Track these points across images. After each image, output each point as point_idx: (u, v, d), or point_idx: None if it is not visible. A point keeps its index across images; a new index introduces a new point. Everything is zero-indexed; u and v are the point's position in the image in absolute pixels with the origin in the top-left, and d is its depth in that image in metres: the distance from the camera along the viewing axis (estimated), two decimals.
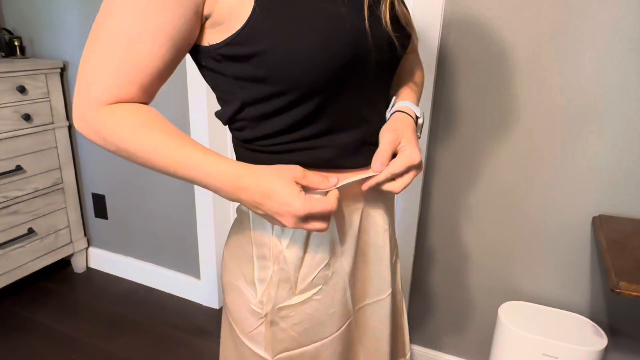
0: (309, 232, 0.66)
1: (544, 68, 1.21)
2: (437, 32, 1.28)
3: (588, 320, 1.30)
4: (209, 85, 0.66)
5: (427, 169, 1.42)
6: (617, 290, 0.90)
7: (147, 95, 0.59)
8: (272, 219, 0.58)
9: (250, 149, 0.66)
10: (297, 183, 0.56)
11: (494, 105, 1.29)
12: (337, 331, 0.72)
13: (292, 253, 0.67)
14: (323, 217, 0.57)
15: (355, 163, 0.67)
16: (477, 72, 1.28)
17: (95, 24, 0.58)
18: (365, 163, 0.67)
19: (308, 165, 0.61)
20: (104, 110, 0.57)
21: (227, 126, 0.68)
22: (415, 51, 0.86)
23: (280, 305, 0.68)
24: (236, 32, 0.55)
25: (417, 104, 0.76)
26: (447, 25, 1.27)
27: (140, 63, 0.56)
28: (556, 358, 1.22)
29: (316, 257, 0.68)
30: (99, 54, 0.56)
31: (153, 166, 0.57)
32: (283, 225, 0.57)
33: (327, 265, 0.69)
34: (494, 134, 1.31)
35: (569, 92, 1.20)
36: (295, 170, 0.57)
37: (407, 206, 1.47)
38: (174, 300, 2.01)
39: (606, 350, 1.29)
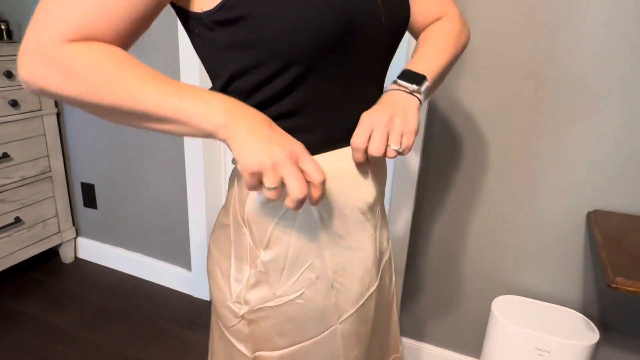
0: (291, 233, 0.63)
1: (539, 62, 1.20)
2: None
3: (580, 314, 1.30)
4: (200, 58, 0.62)
5: (422, 163, 1.41)
6: (614, 286, 0.89)
7: (121, 45, 0.52)
8: (259, 148, 0.49)
9: None
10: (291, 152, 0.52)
11: (488, 100, 1.28)
12: (318, 335, 0.68)
13: (270, 255, 0.64)
14: (297, 180, 0.50)
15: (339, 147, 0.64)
16: (471, 67, 1.26)
17: None
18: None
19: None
20: (71, 45, 0.48)
21: None
22: (448, 19, 0.76)
23: (260, 306, 0.65)
24: None
25: (421, 82, 0.66)
26: None
27: (119, 3, 0.49)
28: (548, 352, 1.22)
29: (299, 259, 0.64)
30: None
31: (124, 107, 0.49)
32: (260, 162, 0.49)
33: (311, 267, 0.65)
34: (488, 129, 1.30)
35: (564, 87, 1.19)
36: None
37: (401, 202, 1.46)
38: (164, 292, 1.99)
39: (598, 344, 1.30)
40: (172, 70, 1.69)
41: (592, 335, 1.23)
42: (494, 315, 1.31)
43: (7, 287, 1.95)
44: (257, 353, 0.69)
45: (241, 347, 0.69)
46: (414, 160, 1.40)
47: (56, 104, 1.95)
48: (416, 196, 1.44)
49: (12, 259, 1.87)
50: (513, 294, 1.40)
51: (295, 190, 0.49)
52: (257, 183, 0.50)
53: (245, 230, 0.64)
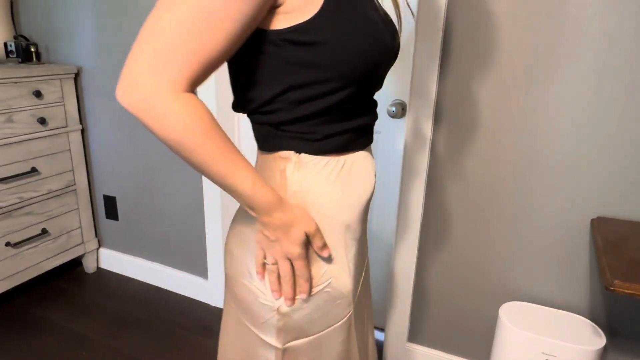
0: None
1: (543, 74, 1.24)
2: (439, 32, 1.32)
3: (587, 320, 1.32)
4: (240, 68, 0.68)
5: (429, 172, 1.45)
6: (612, 288, 0.92)
7: (204, 80, 0.60)
8: (270, 241, 0.69)
9: (280, 129, 0.70)
10: (306, 233, 0.68)
11: (493, 108, 1.32)
12: (341, 320, 0.76)
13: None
14: (301, 263, 0.69)
15: (362, 145, 0.77)
16: (478, 75, 1.32)
17: None
18: (368, 143, 0.79)
19: (328, 150, 0.71)
20: (182, 97, 0.56)
21: (248, 110, 0.71)
22: None
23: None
24: (305, 21, 0.61)
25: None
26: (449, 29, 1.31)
27: (214, 44, 0.56)
28: (555, 357, 1.24)
29: (327, 254, 0.72)
30: (175, 28, 0.54)
31: (206, 171, 0.61)
32: (272, 252, 0.69)
33: (336, 257, 0.73)
34: (493, 137, 1.34)
35: (567, 97, 1.23)
36: (314, 223, 0.69)
37: (409, 209, 1.50)
38: (182, 300, 2.06)
39: (605, 349, 1.32)
40: None
41: (598, 340, 1.25)
42: (501, 321, 1.33)
43: (33, 295, 2.04)
44: (288, 344, 0.75)
45: (271, 341, 0.75)
46: (422, 169, 1.45)
47: (81, 121, 2.05)
48: (424, 207, 1.49)
49: (39, 268, 1.96)
50: (520, 300, 1.42)
51: (285, 288, 0.71)
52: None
53: None
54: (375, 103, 0.78)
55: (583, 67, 1.20)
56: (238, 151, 0.62)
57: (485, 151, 1.36)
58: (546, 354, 1.25)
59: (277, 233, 0.67)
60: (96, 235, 2.24)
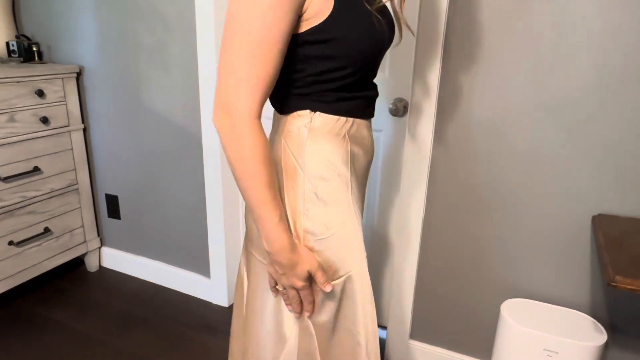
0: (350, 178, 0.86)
1: (543, 69, 1.25)
2: (440, 33, 1.33)
3: (588, 316, 1.33)
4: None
5: (431, 169, 1.46)
6: (613, 284, 0.93)
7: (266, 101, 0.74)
8: (278, 274, 0.81)
9: (298, 95, 0.82)
10: (309, 271, 0.81)
11: (493, 105, 1.33)
12: (358, 264, 0.85)
13: (323, 189, 0.82)
14: (305, 293, 0.83)
15: (367, 115, 0.90)
16: (478, 73, 1.32)
17: (231, 28, 0.69)
18: (372, 115, 0.93)
19: (340, 111, 0.83)
20: (255, 125, 0.71)
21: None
22: None
23: (316, 238, 0.82)
24: (321, 23, 0.73)
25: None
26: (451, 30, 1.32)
27: (272, 71, 0.71)
28: (557, 353, 1.25)
29: (339, 195, 0.83)
30: (247, 62, 0.69)
31: (248, 193, 0.74)
32: (280, 282, 0.83)
33: (344, 201, 0.84)
34: (494, 134, 1.35)
35: (570, 93, 1.24)
36: (316, 263, 0.82)
37: (410, 206, 1.51)
38: (184, 299, 2.06)
39: (606, 345, 1.33)
40: (192, 84, 1.79)
41: (600, 336, 1.25)
42: (503, 318, 1.34)
43: (35, 294, 2.05)
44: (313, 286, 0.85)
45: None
46: (424, 168, 1.46)
47: (83, 120, 2.06)
48: (426, 204, 1.49)
49: (41, 267, 1.97)
50: (522, 297, 1.43)
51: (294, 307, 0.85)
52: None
53: (300, 172, 0.82)
54: (374, 83, 0.92)
55: (583, 64, 1.20)
56: (277, 186, 0.77)
57: (486, 149, 1.37)
58: (548, 350, 1.26)
59: (285, 270, 0.80)
60: (98, 234, 2.25)
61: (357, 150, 0.88)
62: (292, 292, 0.83)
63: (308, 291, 0.83)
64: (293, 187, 0.82)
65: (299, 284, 0.81)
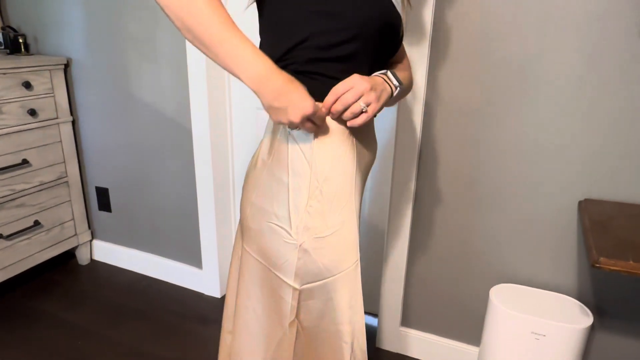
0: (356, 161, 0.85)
1: (530, 61, 1.26)
2: (427, 36, 1.33)
3: (575, 300, 1.35)
4: (268, 22, 0.81)
5: (420, 156, 1.47)
6: (598, 265, 0.95)
7: None
8: (281, 111, 0.73)
9: (302, 73, 0.79)
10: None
11: (481, 93, 1.34)
12: (352, 265, 0.83)
13: (328, 187, 0.80)
14: (317, 121, 0.77)
15: None
16: (465, 63, 1.33)
17: None
18: None
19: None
20: None
21: (273, 59, 0.78)
22: (408, 65, 1.06)
23: (316, 236, 0.80)
24: None
25: (400, 83, 0.89)
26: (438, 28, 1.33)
27: None
28: (544, 336, 1.27)
29: (344, 194, 0.82)
30: None
31: (204, 33, 0.69)
32: (287, 120, 0.73)
33: (348, 203, 0.83)
34: (482, 122, 1.36)
35: (555, 82, 1.25)
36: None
37: (401, 193, 1.52)
38: (177, 290, 2.07)
39: (592, 328, 1.35)
40: (181, 76, 1.78)
41: (586, 319, 1.28)
42: (492, 303, 1.36)
43: (28, 287, 2.04)
44: (304, 286, 0.82)
45: (289, 280, 0.82)
46: (413, 158, 1.47)
47: (71, 112, 2.04)
48: (415, 191, 1.51)
49: (32, 260, 1.96)
50: (510, 282, 1.45)
51: (319, 119, 0.78)
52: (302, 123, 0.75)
53: (307, 169, 0.80)
54: (377, 65, 0.87)
55: (569, 51, 1.22)
56: (237, 29, 0.71)
57: (473, 136, 1.38)
58: (536, 333, 1.28)
59: (282, 102, 0.73)
60: (89, 227, 2.24)
61: (362, 149, 0.88)
62: (308, 125, 0.77)
63: (322, 112, 0.78)
64: (299, 184, 0.80)
65: (309, 109, 0.73)
